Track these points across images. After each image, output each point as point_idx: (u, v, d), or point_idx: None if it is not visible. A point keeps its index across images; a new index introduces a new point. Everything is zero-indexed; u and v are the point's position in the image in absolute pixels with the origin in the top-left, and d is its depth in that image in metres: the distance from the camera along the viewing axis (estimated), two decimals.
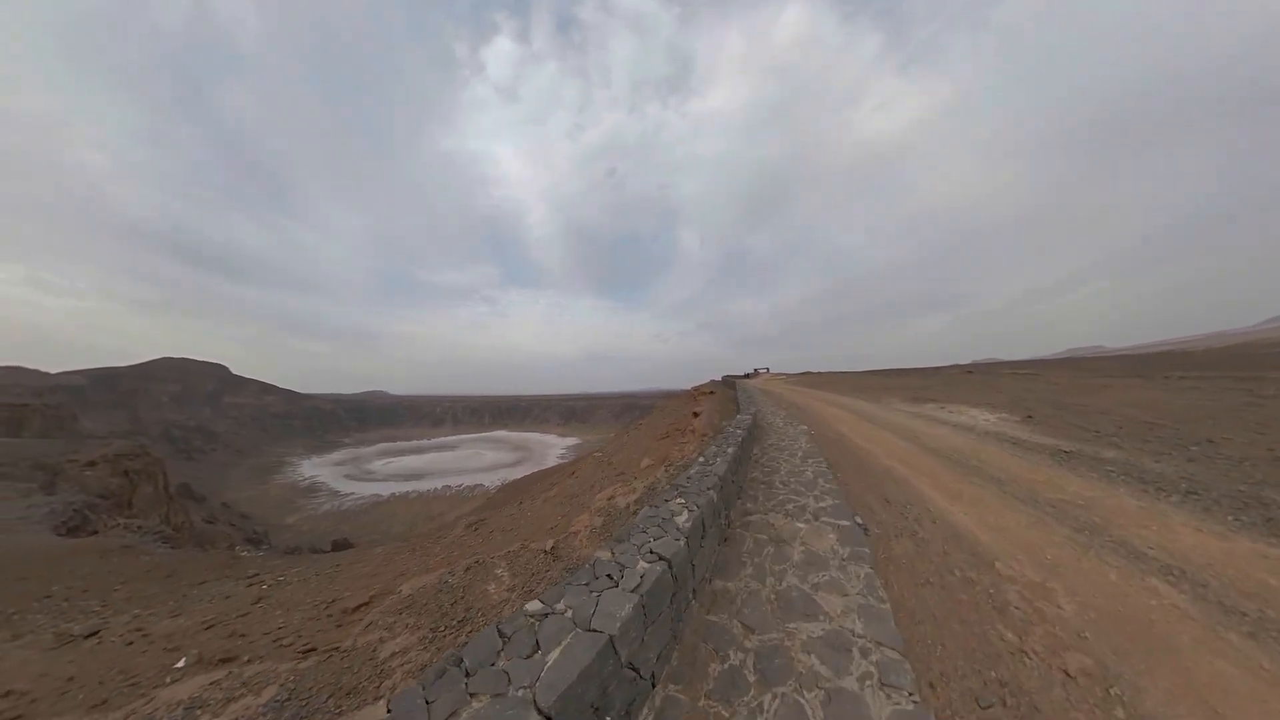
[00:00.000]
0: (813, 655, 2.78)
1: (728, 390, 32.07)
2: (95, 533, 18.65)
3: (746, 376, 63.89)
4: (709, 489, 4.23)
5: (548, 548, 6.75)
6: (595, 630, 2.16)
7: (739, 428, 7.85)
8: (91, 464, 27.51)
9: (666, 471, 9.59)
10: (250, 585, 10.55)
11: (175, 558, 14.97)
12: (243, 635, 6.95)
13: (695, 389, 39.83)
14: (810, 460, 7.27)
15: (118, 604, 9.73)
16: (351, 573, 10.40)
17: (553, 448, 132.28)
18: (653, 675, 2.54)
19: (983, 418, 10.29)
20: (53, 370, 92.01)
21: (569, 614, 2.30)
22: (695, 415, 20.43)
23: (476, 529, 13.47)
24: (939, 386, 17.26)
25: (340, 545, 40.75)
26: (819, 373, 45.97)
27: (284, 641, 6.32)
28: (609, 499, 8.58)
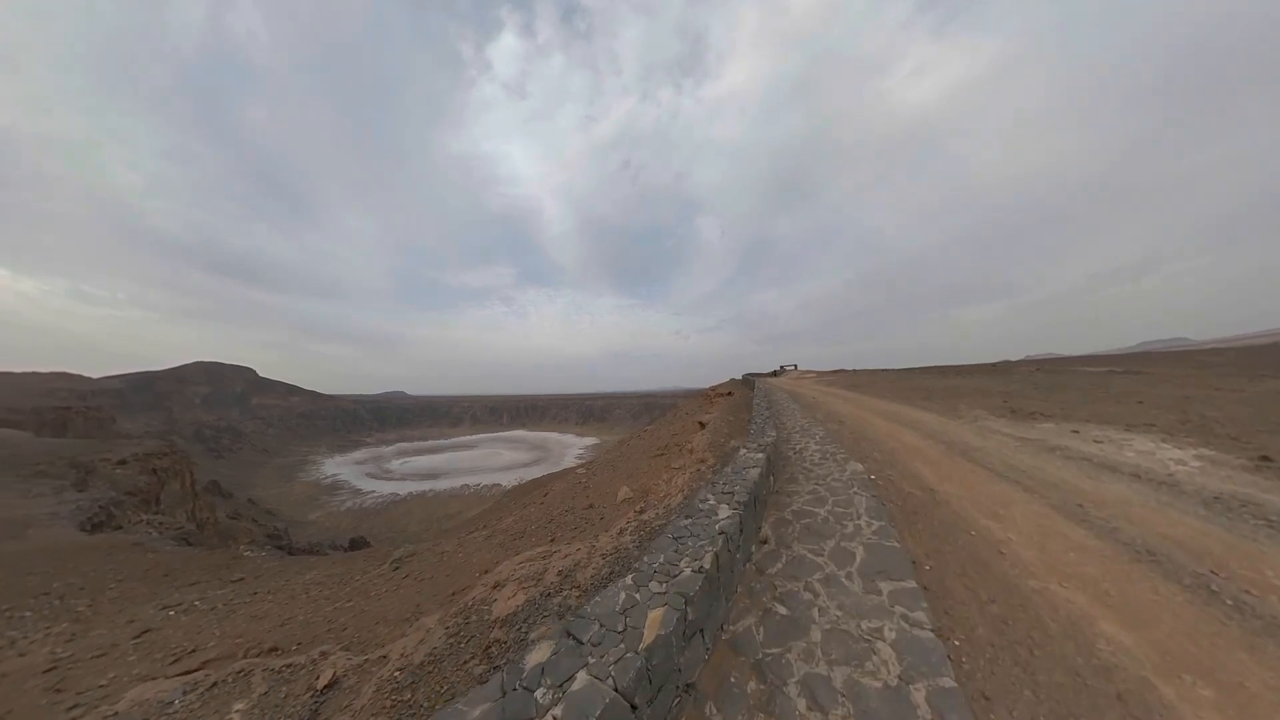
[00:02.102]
0: None
1: (747, 391, 28.08)
2: (120, 528, 19.34)
3: (773, 374, 58.94)
4: None
5: (321, 683, 4.33)
6: None
7: (730, 506, 3.81)
8: (122, 462, 28.74)
9: (617, 537, 6.17)
10: (162, 608, 9.75)
11: (179, 556, 15.00)
12: (58, 691, 6.37)
13: (711, 390, 36.15)
14: (886, 586, 3.27)
15: (103, 605, 9.81)
16: (249, 611, 9.13)
17: (570, 447, 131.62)
18: None
19: (1170, 456, 6.00)
20: (94, 375, 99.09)
21: None
22: (701, 426, 16.91)
23: (398, 568, 10.82)
24: (1031, 392, 12.70)
25: (357, 544, 40.20)
26: (856, 370, 40.68)
27: (71, 715, 5.64)
28: (494, 587, 5.43)
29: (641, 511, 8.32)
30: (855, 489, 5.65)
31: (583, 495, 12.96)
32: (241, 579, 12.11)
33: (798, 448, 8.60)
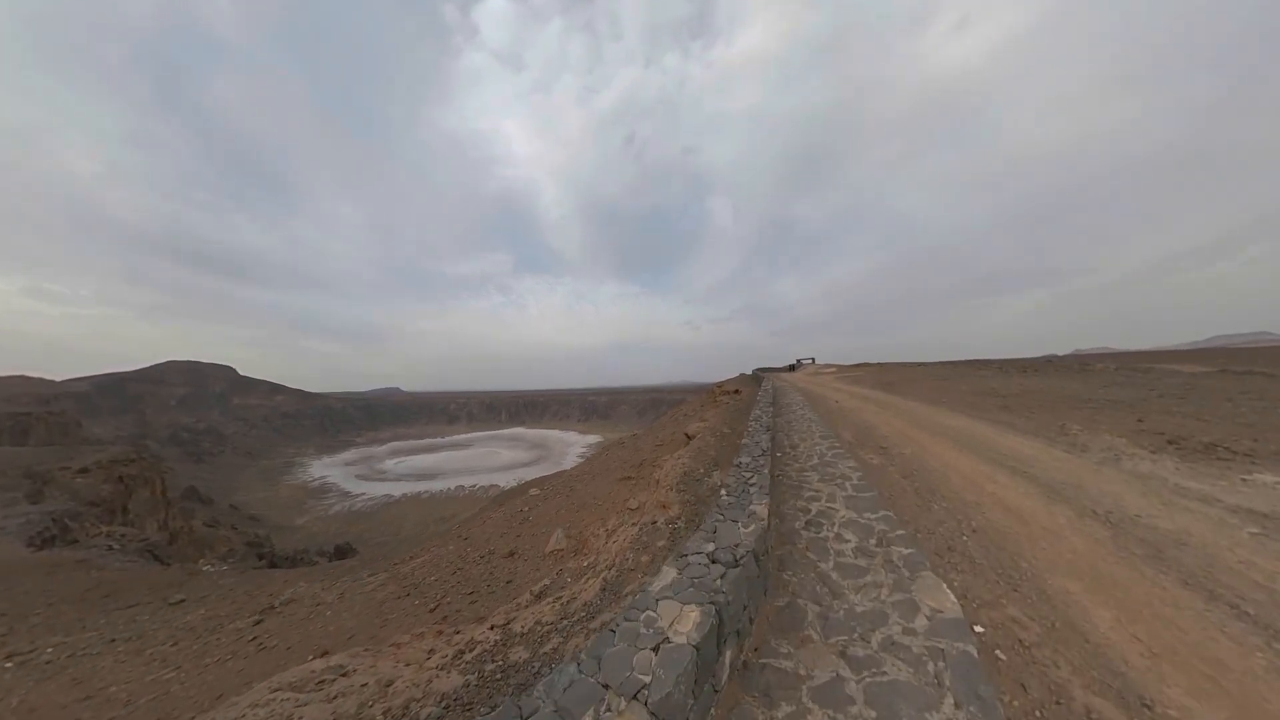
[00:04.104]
0: None
1: (755, 389, 25.06)
2: (75, 542, 19.01)
3: (789, 369, 55.76)
4: None
5: None
6: None
7: None
8: (84, 471, 28.29)
9: (448, 665, 3.33)
10: (8, 656, 8.71)
11: (128, 574, 14.51)
12: None
13: (718, 387, 33.22)
14: None
15: (20, 634, 9.43)
16: (80, 670, 7.97)
17: (572, 446, 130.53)
18: None
19: None
20: (58, 379, 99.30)
21: None
22: (687, 438, 14.04)
23: (261, 622, 9.22)
24: (1156, 401, 9.34)
25: (344, 551, 38.77)
26: (884, 365, 36.96)
27: None
28: None
29: (539, 597, 5.87)
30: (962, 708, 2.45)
31: (513, 534, 10.70)
32: (182, 600, 11.49)
33: (814, 511, 5.31)
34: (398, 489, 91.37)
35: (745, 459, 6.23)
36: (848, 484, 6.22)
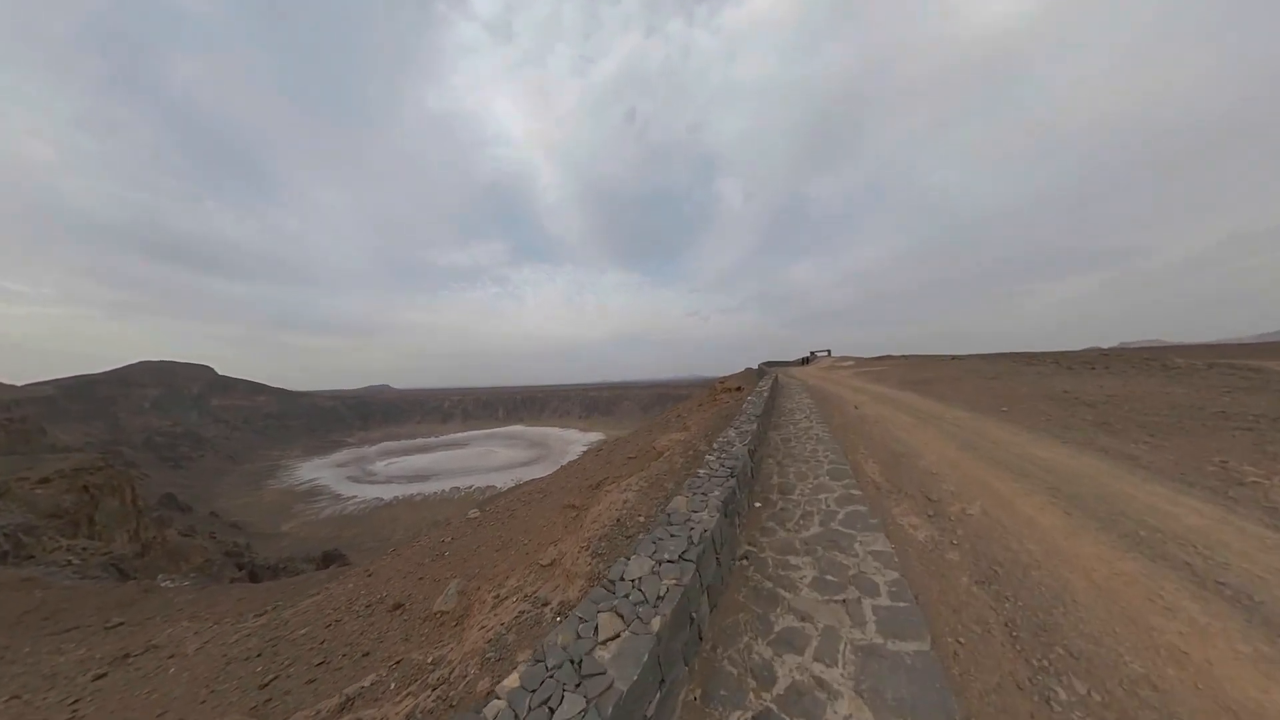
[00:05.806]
0: None
1: (758, 385, 22.83)
2: (31, 558, 19.05)
3: (802, 363, 53.20)
4: None
5: None
6: None
7: None
8: (45, 480, 27.43)
9: None
10: None
11: (76, 593, 14.43)
12: None
13: (720, 383, 31.18)
14: None
15: None
16: None
17: (573, 444, 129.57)
18: None
19: None
20: (19, 382, 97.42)
21: None
22: (658, 454, 11.94)
23: (100, 679, 8.37)
24: None
25: (331, 558, 37.50)
26: (910, 358, 34.20)
27: None
28: None
29: (343, 707, 4.73)
30: None
31: (416, 576, 8.83)
32: (120, 624, 11.14)
33: (781, 685, 2.56)
34: (388, 491, 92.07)
35: (650, 560, 2.90)
36: (866, 605, 3.25)
